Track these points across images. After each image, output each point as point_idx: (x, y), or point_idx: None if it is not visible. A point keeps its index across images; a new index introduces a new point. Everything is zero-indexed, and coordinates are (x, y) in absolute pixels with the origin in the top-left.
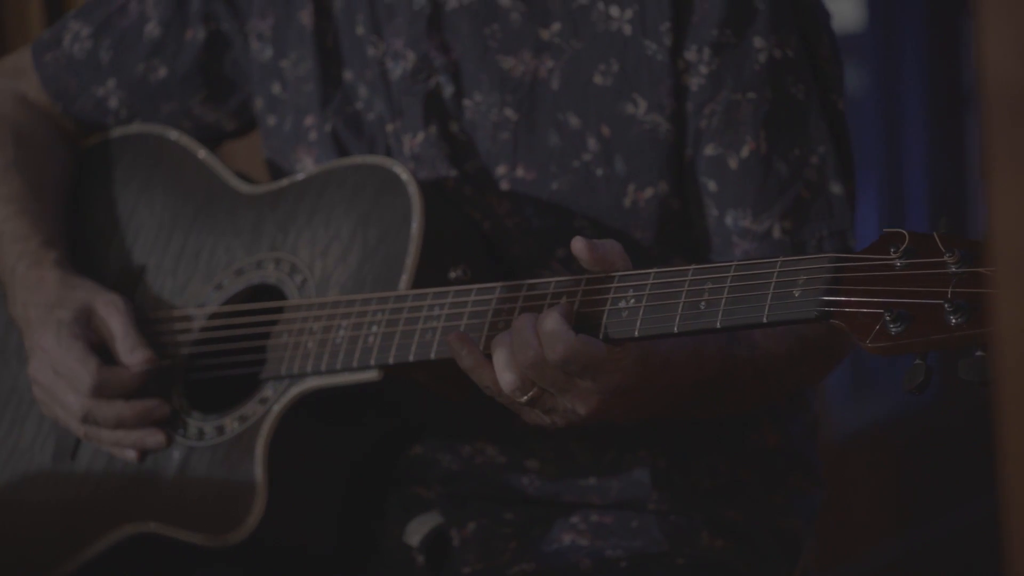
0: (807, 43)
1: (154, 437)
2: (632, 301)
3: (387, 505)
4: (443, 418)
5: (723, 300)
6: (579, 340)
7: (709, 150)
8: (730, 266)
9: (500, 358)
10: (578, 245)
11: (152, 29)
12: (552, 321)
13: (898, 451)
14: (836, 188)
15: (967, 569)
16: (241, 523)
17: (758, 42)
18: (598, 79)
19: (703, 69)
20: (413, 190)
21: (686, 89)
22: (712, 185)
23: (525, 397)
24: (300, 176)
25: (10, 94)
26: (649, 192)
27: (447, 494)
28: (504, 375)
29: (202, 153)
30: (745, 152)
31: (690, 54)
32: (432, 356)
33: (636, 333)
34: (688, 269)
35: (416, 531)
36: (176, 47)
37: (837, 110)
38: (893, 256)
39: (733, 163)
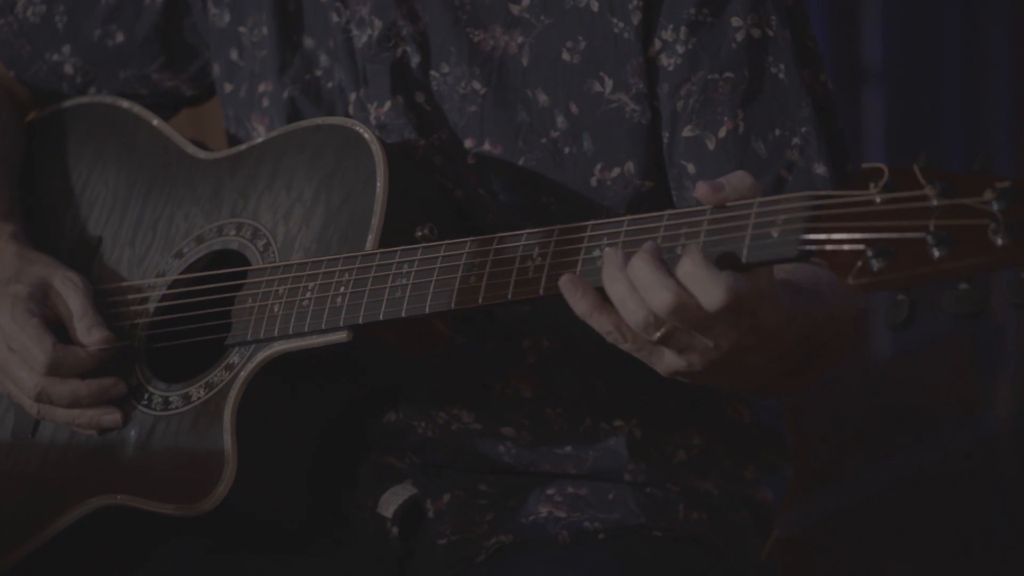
0: (791, 22)
1: (110, 416)
2: (607, 249)
3: (359, 476)
4: (418, 384)
5: (700, 244)
6: (732, 278)
7: (687, 131)
8: (706, 210)
9: (621, 295)
10: (701, 190)
11: None
12: (701, 268)
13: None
14: (820, 169)
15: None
16: (211, 491)
17: (735, 21)
18: (566, 56)
19: (679, 49)
20: (376, 148)
21: (661, 69)
22: (691, 167)
23: (658, 334)
24: (259, 140)
25: None
26: (615, 172)
27: (421, 464)
28: (630, 313)
29: (156, 121)
30: (723, 133)
31: (666, 34)
32: (403, 314)
33: None
34: (663, 215)
35: (390, 502)
36: (134, 12)
37: (827, 90)
38: (873, 191)
39: (711, 144)
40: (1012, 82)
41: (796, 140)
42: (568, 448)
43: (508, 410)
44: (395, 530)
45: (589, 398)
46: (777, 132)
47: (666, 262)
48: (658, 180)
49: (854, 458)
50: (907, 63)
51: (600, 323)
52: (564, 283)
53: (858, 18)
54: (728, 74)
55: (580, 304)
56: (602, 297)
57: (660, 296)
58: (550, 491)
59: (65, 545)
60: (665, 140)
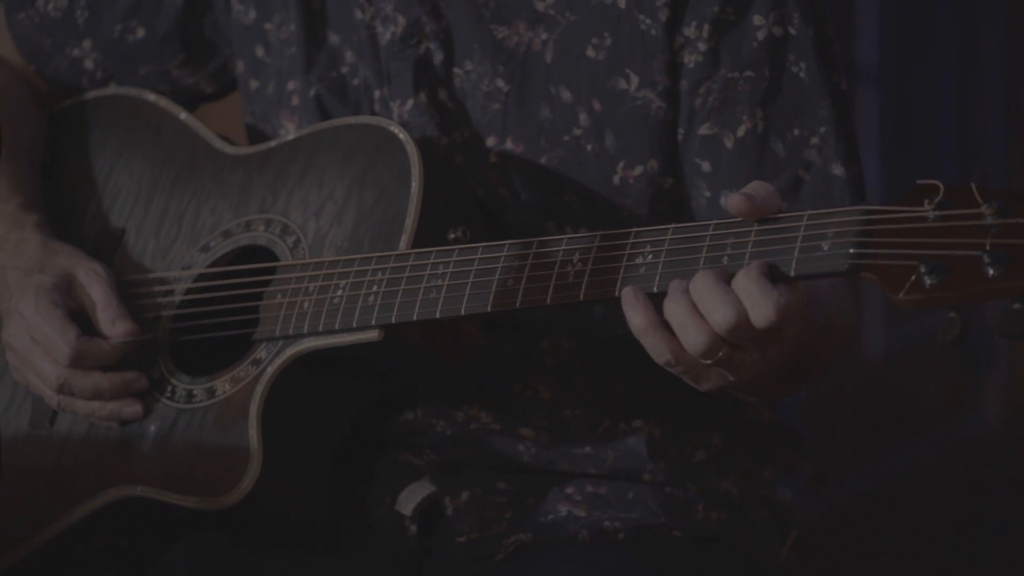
0: (813, 20)
1: (131, 408)
2: (650, 257)
3: (377, 473)
4: (437, 383)
5: (747, 255)
6: (784, 295)
7: (704, 129)
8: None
9: (681, 319)
10: (736, 202)
11: None
12: (755, 283)
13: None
14: (838, 170)
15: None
16: (236, 486)
17: (757, 19)
18: (591, 53)
19: (701, 46)
20: (411, 149)
21: (681, 66)
22: (706, 166)
23: (714, 359)
24: (289, 137)
25: None
26: (639, 170)
27: (439, 461)
28: (690, 337)
29: (183, 115)
30: (741, 132)
31: (689, 30)
32: (438, 315)
33: (655, 288)
34: (709, 224)
35: (408, 500)
36: (155, 8)
37: (841, 91)
38: (927, 208)
39: (729, 143)
40: (1006, 84)
41: (815, 140)
42: (587, 448)
43: (527, 411)
44: (413, 528)
45: (608, 399)
46: (796, 132)
47: (728, 280)
48: (678, 178)
49: (845, 458)
50: (902, 64)
51: (653, 343)
52: (627, 294)
53: (853, 19)
54: (748, 73)
55: (637, 318)
56: (660, 316)
57: (722, 312)
58: (569, 490)
59: (83, 536)
60: (680, 137)
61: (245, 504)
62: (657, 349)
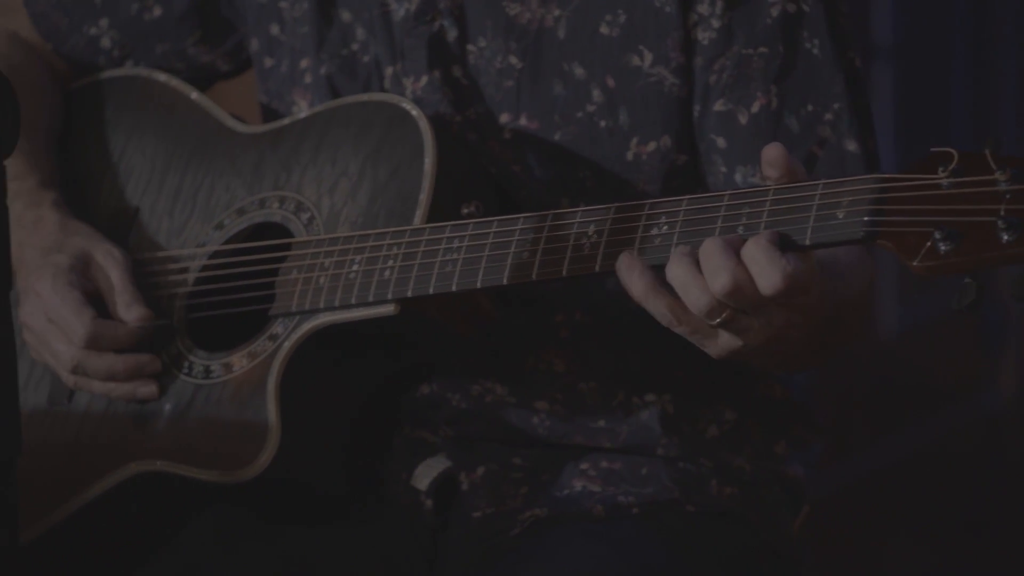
0: None
1: (146, 388)
2: (665, 228)
3: (393, 449)
4: (452, 357)
5: (762, 224)
6: (792, 263)
7: (719, 106)
8: (768, 190)
9: (684, 280)
10: (773, 149)
11: None
12: (763, 251)
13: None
14: (851, 146)
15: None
16: (254, 460)
17: None
18: (604, 29)
19: (715, 23)
20: (424, 125)
21: (696, 43)
22: (721, 142)
23: (718, 319)
24: (302, 115)
25: (1, 31)
26: (652, 146)
27: (455, 436)
28: (692, 297)
29: (194, 95)
30: (755, 108)
31: (703, 7)
32: (454, 288)
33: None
34: (724, 195)
35: (424, 475)
36: None
37: (855, 67)
38: (941, 175)
39: (743, 119)
40: (1021, 59)
41: (828, 116)
42: (601, 422)
43: (541, 384)
44: (429, 503)
45: (622, 372)
46: (810, 108)
47: (736, 248)
48: (691, 154)
49: (859, 436)
50: (917, 39)
51: (655, 306)
52: (622, 263)
53: None
54: (762, 49)
55: (637, 284)
56: (659, 278)
57: (721, 279)
58: (584, 465)
59: (104, 510)
60: (696, 113)
61: (264, 478)
62: (659, 311)
